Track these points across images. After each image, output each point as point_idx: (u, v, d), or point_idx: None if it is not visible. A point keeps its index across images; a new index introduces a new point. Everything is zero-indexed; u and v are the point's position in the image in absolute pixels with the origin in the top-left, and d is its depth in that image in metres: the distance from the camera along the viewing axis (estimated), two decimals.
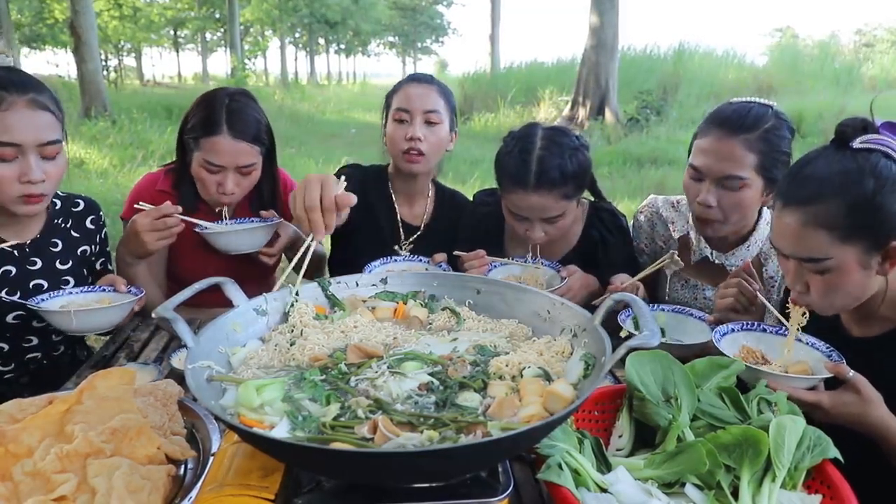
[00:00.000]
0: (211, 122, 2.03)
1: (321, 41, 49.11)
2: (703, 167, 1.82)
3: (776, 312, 1.60)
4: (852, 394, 1.35)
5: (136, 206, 1.97)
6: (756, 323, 1.62)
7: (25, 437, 1.07)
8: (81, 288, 1.87)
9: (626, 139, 12.24)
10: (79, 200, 2.07)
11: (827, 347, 1.50)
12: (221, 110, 2.04)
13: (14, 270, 1.86)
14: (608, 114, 13.89)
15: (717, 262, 2.00)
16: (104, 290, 1.87)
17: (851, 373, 1.36)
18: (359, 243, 2.24)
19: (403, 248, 2.33)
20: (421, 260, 2.11)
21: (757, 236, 1.97)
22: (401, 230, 2.33)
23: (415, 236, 2.35)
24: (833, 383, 1.40)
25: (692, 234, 2.05)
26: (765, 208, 1.97)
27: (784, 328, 1.55)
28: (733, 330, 1.60)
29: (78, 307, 1.75)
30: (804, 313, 1.50)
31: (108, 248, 2.16)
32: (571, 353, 1.18)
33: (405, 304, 1.40)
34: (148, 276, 2.08)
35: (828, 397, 1.36)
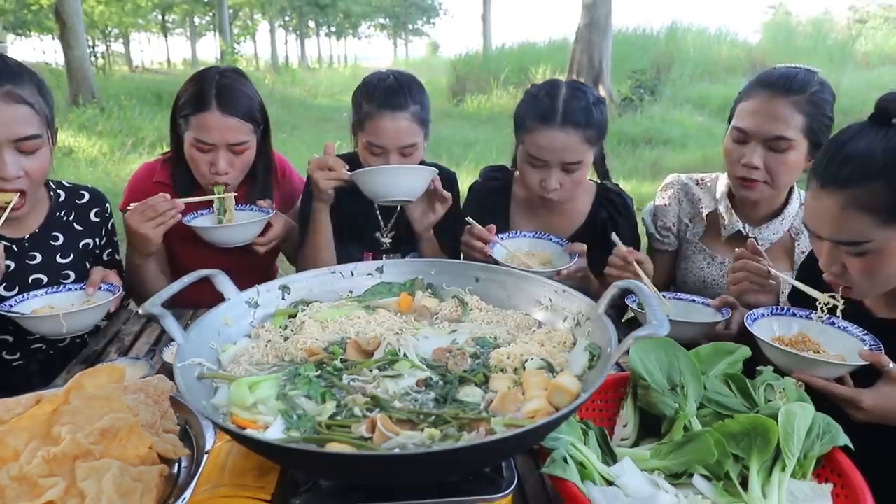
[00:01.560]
0: (200, 98, 1.99)
1: (311, 24, 48.62)
2: (751, 128, 1.81)
3: (794, 282, 1.56)
4: (893, 386, 1.27)
5: (128, 207, 1.92)
6: (793, 310, 1.54)
7: (11, 439, 1.03)
8: (51, 288, 1.81)
9: (621, 119, 12.16)
10: (84, 192, 2.02)
11: (862, 332, 1.41)
12: (211, 86, 2.01)
13: (12, 265, 1.82)
14: (602, 93, 13.77)
15: (750, 235, 1.97)
16: (70, 289, 1.82)
17: (891, 364, 1.27)
18: (338, 232, 2.18)
19: (385, 234, 2.28)
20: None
21: (789, 210, 1.97)
22: (378, 217, 2.28)
23: (394, 218, 2.29)
24: (864, 378, 1.31)
25: (722, 210, 2.03)
26: (795, 185, 1.98)
27: (829, 317, 1.47)
28: (763, 315, 1.54)
29: (49, 311, 1.71)
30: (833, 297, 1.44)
31: (116, 239, 2.12)
32: (574, 343, 1.15)
33: (411, 295, 1.36)
34: (158, 273, 2.07)
35: (868, 395, 1.28)
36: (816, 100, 1.79)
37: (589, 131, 1.96)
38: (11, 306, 1.71)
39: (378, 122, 2.03)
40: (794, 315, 1.53)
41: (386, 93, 2.05)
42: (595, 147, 2.04)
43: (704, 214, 2.07)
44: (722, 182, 2.09)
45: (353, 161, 2.31)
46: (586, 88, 2.05)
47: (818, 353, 1.41)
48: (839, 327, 1.45)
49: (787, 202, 1.98)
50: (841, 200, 1.28)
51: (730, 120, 1.93)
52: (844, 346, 1.42)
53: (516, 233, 2.06)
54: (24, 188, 1.70)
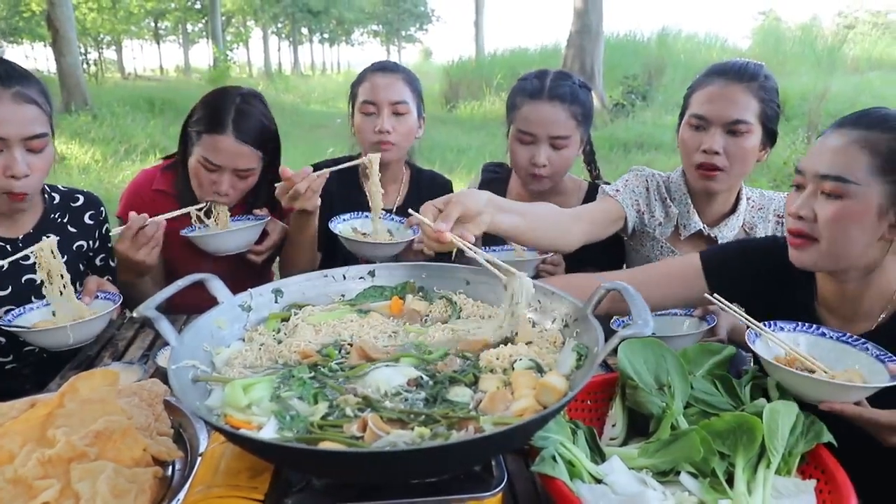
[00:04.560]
0: (217, 120, 1.99)
1: (304, 31, 48.57)
2: (710, 114, 1.84)
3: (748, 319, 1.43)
4: None
5: (111, 233, 1.92)
6: (808, 324, 1.38)
7: (6, 442, 1.04)
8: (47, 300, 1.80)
9: (612, 124, 12.23)
10: (78, 195, 2.04)
11: (879, 350, 1.26)
12: (230, 109, 2.00)
13: (5, 265, 1.82)
14: (594, 99, 13.82)
15: (710, 234, 1.99)
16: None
17: None
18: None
19: None
20: (394, 219, 2.12)
21: (741, 206, 2.00)
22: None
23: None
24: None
25: (681, 209, 2.03)
26: (743, 184, 2.00)
27: (846, 335, 1.32)
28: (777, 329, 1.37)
29: (51, 324, 1.71)
30: None
31: (109, 244, 2.12)
32: (563, 344, 1.17)
33: (402, 298, 1.37)
34: (153, 287, 2.06)
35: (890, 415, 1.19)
36: (767, 87, 1.84)
37: (574, 107, 2.08)
38: (10, 321, 1.71)
39: (370, 80, 2.21)
40: (781, 329, 1.38)
41: (380, 62, 2.29)
42: (582, 128, 2.13)
43: (675, 215, 2.04)
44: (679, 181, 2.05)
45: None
46: (572, 74, 2.19)
47: (813, 371, 1.25)
48: (831, 337, 1.33)
49: (738, 199, 2.02)
50: (849, 138, 1.31)
51: (682, 113, 1.96)
52: (842, 358, 1.28)
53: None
54: (31, 185, 1.73)
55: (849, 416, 1.18)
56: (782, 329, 1.36)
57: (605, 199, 1.99)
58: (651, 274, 1.66)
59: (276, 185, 1.94)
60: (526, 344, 1.15)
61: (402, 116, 2.19)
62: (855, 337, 1.30)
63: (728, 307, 1.41)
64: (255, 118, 2.04)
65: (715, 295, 1.43)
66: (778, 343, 1.31)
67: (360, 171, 2.35)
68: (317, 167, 2.36)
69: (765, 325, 1.35)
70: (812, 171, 1.35)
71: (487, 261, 1.24)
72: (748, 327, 1.34)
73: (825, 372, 1.25)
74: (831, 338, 1.33)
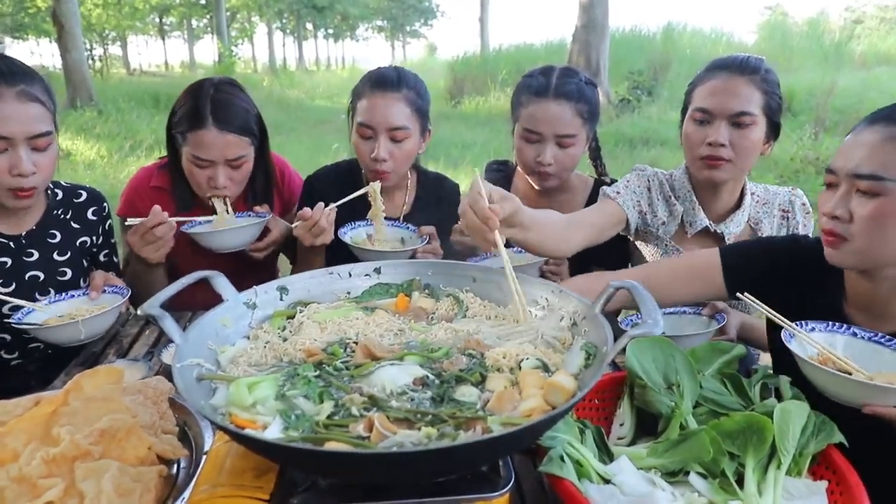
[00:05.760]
0: (196, 115, 1.97)
1: (309, 26, 48.51)
2: (714, 107, 1.83)
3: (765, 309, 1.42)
4: None
5: (126, 222, 1.91)
6: (839, 324, 1.33)
7: (10, 440, 1.04)
8: (53, 297, 1.81)
9: (618, 120, 12.16)
10: (81, 191, 2.04)
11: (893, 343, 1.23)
12: (206, 102, 1.98)
13: (9, 262, 1.84)
14: (599, 94, 13.77)
15: (716, 231, 1.98)
16: (73, 296, 1.84)
17: None
18: (335, 242, 2.17)
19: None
20: (408, 227, 2.10)
21: (746, 201, 1.99)
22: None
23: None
24: None
25: (685, 206, 2.02)
26: (746, 179, 2.00)
27: (878, 334, 1.28)
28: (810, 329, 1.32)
29: (60, 321, 1.72)
30: None
31: (113, 240, 2.13)
32: (571, 343, 1.16)
33: (408, 296, 1.36)
34: (161, 283, 2.05)
35: None
36: (770, 79, 1.85)
37: (581, 105, 2.07)
38: (20, 319, 1.72)
39: (368, 101, 2.06)
40: (813, 329, 1.32)
41: (380, 75, 2.10)
42: (588, 125, 2.11)
43: (680, 213, 2.02)
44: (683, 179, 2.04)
45: (351, 170, 2.31)
46: (578, 71, 2.18)
47: (849, 373, 1.20)
48: (863, 337, 1.29)
49: (742, 195, 2.00)
50: (884, 133, 1.26)
51: (685, 108, 1.95)
52: (874, 359, 1.25)
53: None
54: (37, 185, 1.73)
55: (893, 418, 1.14)
56: (814, 329, 1.31)
57: (606, 201, 1.98)
58: (669, 268, 1.66)
59: (293, 225, 1.96)
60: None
61: (400, 142, 2.07)
62: (888, 337, 1.26)
63: (761, 307, 1.37)
64: (233, 105, 2.01)
65: (746, 294, 1.40)
66: (812, 343, 1.27)
67: (364, 173, 2.31)
68: (314, 177, 2.34)
69: (797, 324, 1.31)
70: (845, 170, 1.30)
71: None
72: (783, 328, 1.30)
73: (862, 374, 1.20)
74: (863, 338, 1.29)
